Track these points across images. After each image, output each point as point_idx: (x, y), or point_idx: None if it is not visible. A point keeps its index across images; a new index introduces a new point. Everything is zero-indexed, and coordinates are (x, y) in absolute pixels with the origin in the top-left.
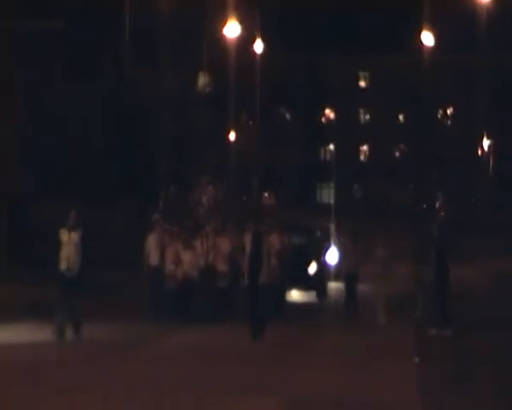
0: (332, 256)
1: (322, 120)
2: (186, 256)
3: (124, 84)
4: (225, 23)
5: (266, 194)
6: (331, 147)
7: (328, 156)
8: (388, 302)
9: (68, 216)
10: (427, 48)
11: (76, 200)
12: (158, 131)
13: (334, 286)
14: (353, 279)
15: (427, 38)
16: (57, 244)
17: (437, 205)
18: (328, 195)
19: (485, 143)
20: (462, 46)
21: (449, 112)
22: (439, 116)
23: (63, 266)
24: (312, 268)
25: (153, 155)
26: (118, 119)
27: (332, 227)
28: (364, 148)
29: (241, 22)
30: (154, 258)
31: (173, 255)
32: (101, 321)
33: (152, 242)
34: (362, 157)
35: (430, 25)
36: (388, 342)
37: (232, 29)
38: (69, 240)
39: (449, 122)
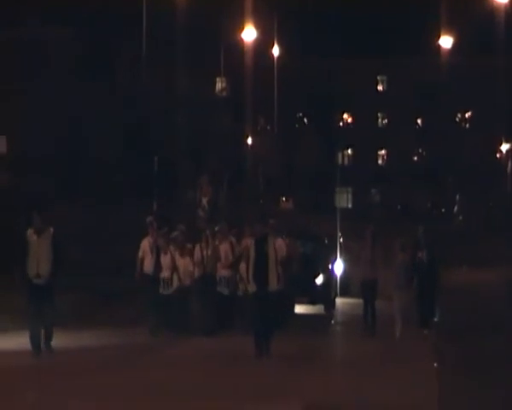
0: (341, 266)
1: (340, 124)
2: (182, 263)
3: (140, 88)
4: (243, 28)
5: (284, 198)
6: (349, 151)
7: (345, 161)
8: (408, 312)
9: (33, 216)
10: (446, 51)
11: (88, 202)
12: (174, 133)
13: (343, 300)
14: (371, 287)
15: (446, 41)
16: (24, 247)
17: (455, 209)
18: (345, 199)
19: (504, 146)
20: (481, 49)
21: (467, 115)
22: (457, 120)
23: (31, 272)
24: (320, 279)
25: (168, 157)
26: (132, 122)
27: (342, 234)
28: (382, 152)
29: (258, 27)
30: (148, 264)
31: (169, 262)
32: (100, 328)
33: (146, 246)
34: (380, 161)
35: (448, 27)
36: (404, 349)
37: (249, 34)
38: (38, 243)
39: (467, 126)
